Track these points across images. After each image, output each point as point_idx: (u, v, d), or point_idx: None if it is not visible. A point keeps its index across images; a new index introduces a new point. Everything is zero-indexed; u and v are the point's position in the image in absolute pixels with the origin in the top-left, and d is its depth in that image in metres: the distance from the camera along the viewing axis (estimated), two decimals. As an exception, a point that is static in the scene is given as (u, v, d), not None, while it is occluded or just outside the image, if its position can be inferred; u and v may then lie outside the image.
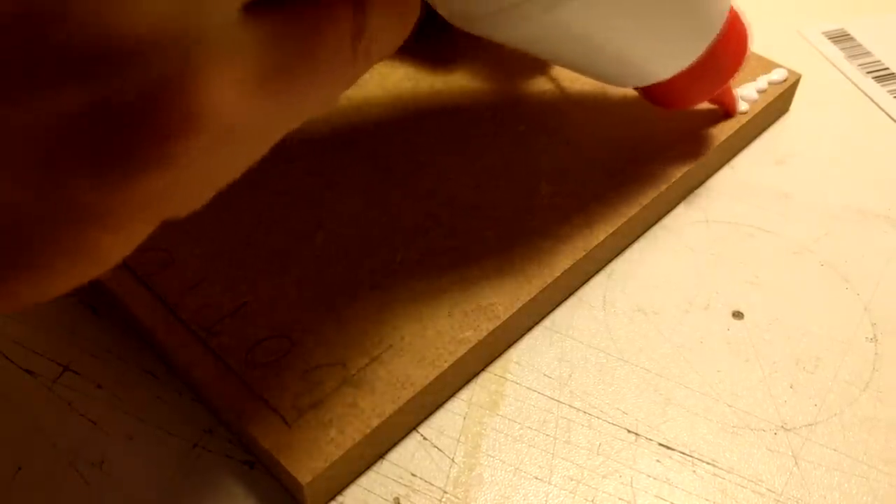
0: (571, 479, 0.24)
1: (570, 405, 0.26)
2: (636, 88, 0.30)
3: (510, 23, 0.21)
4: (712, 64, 0.27)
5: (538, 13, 0.20)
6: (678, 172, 0.30)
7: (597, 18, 0.22)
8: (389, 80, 0.34)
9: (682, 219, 0.32)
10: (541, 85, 0.34)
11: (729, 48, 0.28)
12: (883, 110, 0.37)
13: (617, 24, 0.22)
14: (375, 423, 0.23)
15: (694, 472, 0.24)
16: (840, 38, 0.41)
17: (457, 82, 0.34)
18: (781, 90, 0.35)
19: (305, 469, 0.22)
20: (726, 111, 0.33)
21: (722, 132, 0.32)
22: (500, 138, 0.32)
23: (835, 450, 0.25)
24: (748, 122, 0.33)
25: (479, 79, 0.34)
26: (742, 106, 0.33)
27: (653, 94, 0.29)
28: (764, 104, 0.34)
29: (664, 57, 0.26)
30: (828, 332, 0.28)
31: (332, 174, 0.30)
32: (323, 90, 0.14)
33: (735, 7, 0.28)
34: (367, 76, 0.34)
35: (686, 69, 0.27)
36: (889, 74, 0.39)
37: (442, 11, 0.22)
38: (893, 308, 0.29)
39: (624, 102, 0.33)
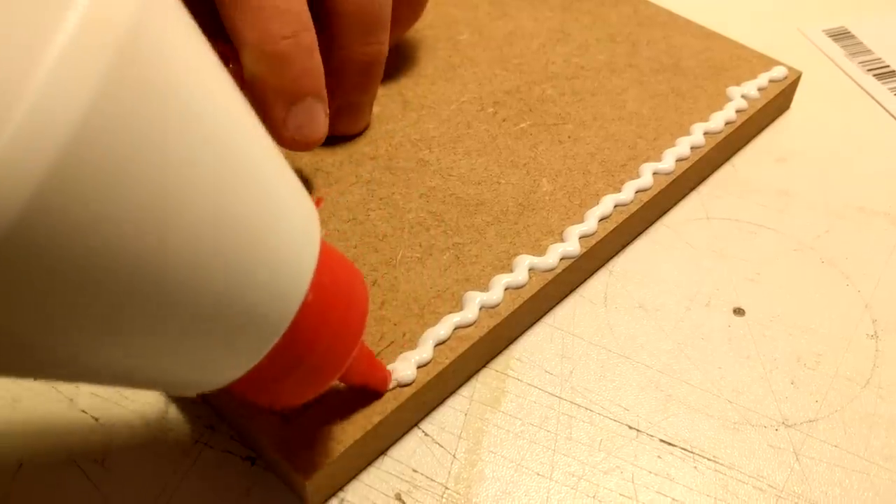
0: (573, 476, 0.24)
1: (571, 401, 0.26)
2: None
3: None
4: (297, 358, 0.18)
5: None
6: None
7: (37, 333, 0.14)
8: (389, 77, 0.34)
9: (683, 216, 0.32)
10: (542, 82, 0.34)
11: (325, 331, 0.19)
12: (884, 108, 0.37)
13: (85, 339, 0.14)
14: (377, 419, 0.23)
15: (695, 468, 0.24)
16: (841, 35, 0.41)
17: (459, 80, 0.34)
18: (782, 88, 0.35)
19: (307, 465, 0.22)
20: (373, 390, 0.24)
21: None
22: (502, 135, 0.32)
23: (836, 446, 0.25)
24: (749, 119, 0.33)
25: (481, 76, 0.34)
26: (393, 384, 0.24)
27: (235, 393, 0.19)
28: (764, 102, 0.34)
29: (191, 368, 0.17)
30: (829, 329, 0.28)
31: (334, 171, 0.30)
32: None
33: (338, 269, 0.19)
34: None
35: (254, 371, 0.18)
36: (890, 72, 0.39)
37: None
38: (894, 305, 0.29)
39: (624, 98, 0.33)
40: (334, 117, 0.29)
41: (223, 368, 0.17)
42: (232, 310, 0.16)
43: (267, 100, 0.26)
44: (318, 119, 0.26)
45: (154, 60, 0.13)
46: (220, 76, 0.16)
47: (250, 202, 0.16)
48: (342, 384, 0.23)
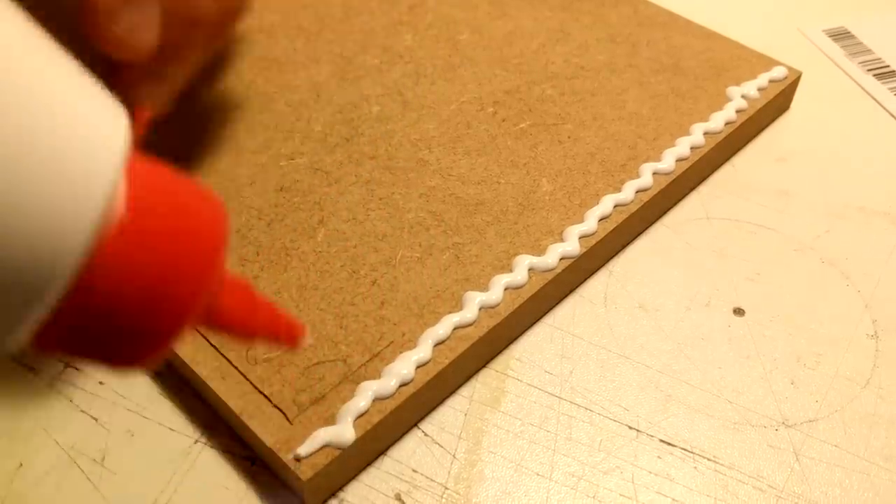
0: (573, 476, 0.24)
1: (571, 402, 0.26)
2: None
3: None
4: (111, 306, 0.14)
5: None
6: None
7: None
8: (389, 77, 0.34)
9: (684, 216, 0.32)
10: (542, 82, 0.34)
11: (145, 270, 0.14)
12: (883, 107, 0.37)
13: None
14: (376, 419, 0.23)
15: (695, 468, 0.24)
16: (841, 35, 0.41)
17: (459, 80, 0.34)
18: (782, 88, 0.35)
19: (306, 465, 0.22)
20: (282, 343, 0.18)
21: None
22: (502, 136, 0.32)
23: (836, 446, 0.25)
24: (749, 119, 0.33)
25: (481, 76, 0.34)
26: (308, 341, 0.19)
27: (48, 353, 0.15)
28: (764, 102, 0.34)
29: None
30: (828, 329, 0.28)
31: (334, 171, 0.30)
32: None
33: (161, 190, 0.15)
34: (365, 72, 0.34)
35: (62, 326, 0.14)
36: (890, 72, 0.39)
37: None
38: (894, 305, 0.29)
39: (624, 98, 0.33)
40: (138, 79, 0.25)
41: None
42: None
43: None
44: (152, 25, 0.23)
45: None
46: None
47: None
48: (247, 337, 0.17)
